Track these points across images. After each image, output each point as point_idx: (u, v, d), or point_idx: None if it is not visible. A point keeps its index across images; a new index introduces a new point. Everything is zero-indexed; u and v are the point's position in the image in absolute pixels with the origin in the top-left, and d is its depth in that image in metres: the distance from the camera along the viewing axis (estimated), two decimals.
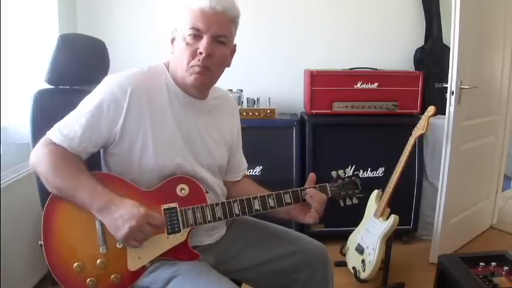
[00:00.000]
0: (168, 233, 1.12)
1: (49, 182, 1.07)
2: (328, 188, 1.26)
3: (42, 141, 1.10)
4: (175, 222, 1.12)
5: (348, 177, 1.29)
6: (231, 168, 1.38)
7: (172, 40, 1.19)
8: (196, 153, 1.21)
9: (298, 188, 1.23)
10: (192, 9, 1.11)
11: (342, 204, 1.29)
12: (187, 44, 1.12)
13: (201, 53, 1.11)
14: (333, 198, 1.27)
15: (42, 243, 1.10)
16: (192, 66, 1.13)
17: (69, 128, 1.09)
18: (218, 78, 1.22)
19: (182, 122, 1.19)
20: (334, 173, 1.29)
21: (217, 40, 1.13)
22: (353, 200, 1.29)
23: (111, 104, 1.10)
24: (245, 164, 1.45)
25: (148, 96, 1.14)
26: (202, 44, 1.11)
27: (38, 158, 1.08)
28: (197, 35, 1.11)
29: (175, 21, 1.17)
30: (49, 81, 1.37)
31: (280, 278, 1.29)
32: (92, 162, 1.17)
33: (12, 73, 1.94)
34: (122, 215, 1.03)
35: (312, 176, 1.26)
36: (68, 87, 1.43)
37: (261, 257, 1.29)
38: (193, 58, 1.12)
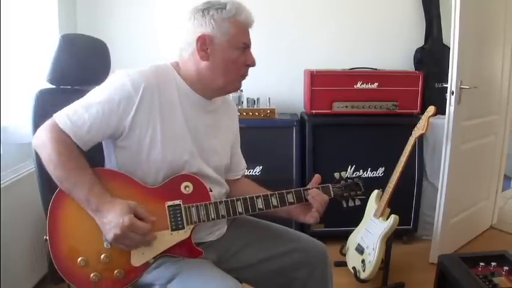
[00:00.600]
0: (172, 230, 1.13)
1: (50, 170, 1.08)
2: (331, 188, 1.28)
3: (47, 125, 1.10)
4: (179, 219, 1.14)
5: (350, 178, 1.31)
6: (230, 167, 1.40)
7: (203, 47, 1.16)
8: (204, 151, 1.23)
9: (301, 188, 1.25)
10: (240, 24, 1.17)
11: (345, 205, 1.31)
12: (238, 56, 1.19)
13: (248, 65, 1.22)
14: (336, 199, 1.29)
15: (48, 237, 1.10)
16: (241, 75, 1.23)
17: (78, 116, 1.09)
18: None
19: (191, 120, 1.21)
20: (336, 175, 1.31)
21: None
22: (355, 201, 1.30)
23: (123, 99, 1.10)
24: (244, 163, 1.47)
25: (159, 94, 1.15)
26: (251, 57, 1.22)
27: (44, 141, 1.08)
28: (245, 48, 1.20)
29: (206, 29, 1.16)
30: (51, 81, 1.37)
31: (280, 277, 1.30)
32: (94, 158, 1.17)
33: (12, 73, 1.94)
34: (109, 221, 1.04)
35: (317, 178, 1.28)
36: (69, 87, 1.43)
37: (261, 256, 1.30)
38: (243, 67, 1.22)
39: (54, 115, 1.11)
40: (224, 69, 1.19)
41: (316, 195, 1.23)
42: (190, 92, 1.21)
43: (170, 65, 1.23)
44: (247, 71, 1.24)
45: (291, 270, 1.29)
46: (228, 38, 1.16)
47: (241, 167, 1.45)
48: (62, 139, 1.08)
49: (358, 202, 1.31)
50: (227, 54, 1.17)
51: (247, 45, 1.21)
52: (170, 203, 1.14)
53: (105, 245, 1.10)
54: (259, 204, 1.20)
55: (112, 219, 1.04)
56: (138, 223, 1.05)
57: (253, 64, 1.23)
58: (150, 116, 1.14)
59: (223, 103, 1.35)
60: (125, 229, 1.02)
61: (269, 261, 1.29)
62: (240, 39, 1.18)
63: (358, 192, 1.30)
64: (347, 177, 1.31)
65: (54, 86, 1.40)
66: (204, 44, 1.16)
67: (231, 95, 2.38)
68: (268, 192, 1.24)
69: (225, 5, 1.17)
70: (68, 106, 1.12)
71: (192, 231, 1.15)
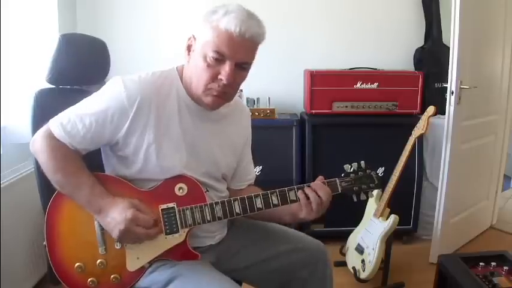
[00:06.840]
0: (166, 234, 1.11)
1: (49, 176, 1.09)
2: (338, 183, 1.18)
3: (43, 132, 1.10)
4: (173, 222, 1.11)
5: (362, 170, 1.21)
6: (235, 176, 1.34)
7: (189, 47, 1.12)
8: (201, 163, 1.19)
9: (304, 185, 1.17)
10: (219, 29, 1.04)
11: (356, 199, 1.21)
12: (208, 65, 1.06)
13: (221, 80, 1.07)
14: (345, 194, 1.20)
15: (46, 243, 1.11)
16: (209, 89, 1.09)
17: (71, 125, 1.08)
18: (234, 96, 1.18)
19: (189, 131, 1.16)
20: (347, 166, 1.21)
21: (239, 67, 1.09)
22: (368, 194, 1.21)
23: (117, 112, 1.08)
24: (252, 174, 1.39)
25: (157, 105, 1.11)
26: (225, 72, 1.06)
27: (40, 148, 1.09)
28: (220, 59, 1.06)
29: (195, 30, 1.10)
30: (50, 81, 1.37)
31: (280, 276, 1.29)
32: (92, 162, 1.17)
33: (12, 73, 1.94)
34: (113, 218, 1.05)
35: (320, 178, 1.19)
36: (68, 87, 1.43)
37: (260, 256, 1.29)
38: (212, 81, 1.08)
39: (50, 121, 1.10)
40: (196, 75, 1.10)
41: (316, 187, 1.14)
42: (190, 102, 1.15)
43: (176, 70, 1.18)
44: (217, 86, 1.08)
45: (291, 270, 1.28)
46: (202, 43, 1.07)
47: (247, 177, 1.37)
48: (58, 146, 1.09)
49: (371, 195, 1.22)
50: (198, 58, 1.08)
51: (223, 56, 1.05)
52: (164, 206, 1.11)
53: (100, 251, 1.10)
54: (258, 203, 1.14)
55: (115, 216, 1.04)
56: (141, 216, 1.06)
57: (225, 81, 1.06)
58: (145, 128, 1.10)
59: (235, 111, 1.27)
60: (128, 223, 1.03)
61: (269, 262, 1.29)
62: (211, 47, 1.04)
63: (371, 185, 1.20)
64: (359, 169, 1.21)
65: (53, 86, 1.39)
66: (190, 44, 1.12)
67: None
68: (268, 191, 1.16)
69: (221, 8, 1.06)
70: (63, 112, 1.11)
71: (187, 234, 1.13)
